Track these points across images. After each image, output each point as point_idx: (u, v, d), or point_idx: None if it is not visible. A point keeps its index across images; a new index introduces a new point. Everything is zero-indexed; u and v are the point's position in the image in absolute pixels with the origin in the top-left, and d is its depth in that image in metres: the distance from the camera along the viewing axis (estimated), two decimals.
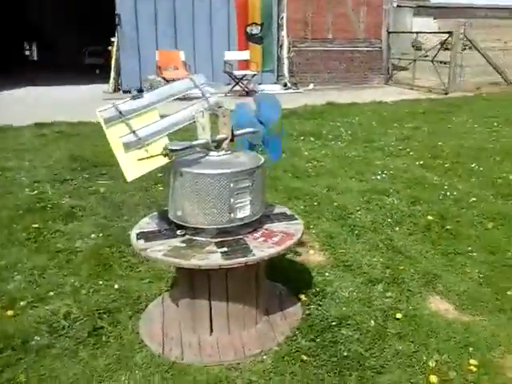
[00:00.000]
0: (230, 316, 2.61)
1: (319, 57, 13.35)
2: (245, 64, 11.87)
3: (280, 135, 2.93)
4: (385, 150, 6.25)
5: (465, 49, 12.67)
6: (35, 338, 2.66)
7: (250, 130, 2.74)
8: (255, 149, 2.89)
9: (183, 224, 2.53)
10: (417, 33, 13.63)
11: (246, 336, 2.63)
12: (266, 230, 2.63)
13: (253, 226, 2.60)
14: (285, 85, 12.63)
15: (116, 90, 11.77)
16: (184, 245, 2.48)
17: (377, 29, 13.77)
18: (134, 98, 2.50)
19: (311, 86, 12.93)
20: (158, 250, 2.43)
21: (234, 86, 11.24)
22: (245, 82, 11.31)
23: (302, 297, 2.97)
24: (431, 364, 2.38)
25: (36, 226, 4.02)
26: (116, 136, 2.41)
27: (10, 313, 2.89)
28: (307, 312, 2.83)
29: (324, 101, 9.79)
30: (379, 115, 8.53)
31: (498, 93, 11.06)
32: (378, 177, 5.17)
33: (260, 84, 12.13)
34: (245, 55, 11.89)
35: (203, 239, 2.52)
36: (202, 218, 2.44)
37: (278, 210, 2.92)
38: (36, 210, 4.40)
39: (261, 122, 2.78)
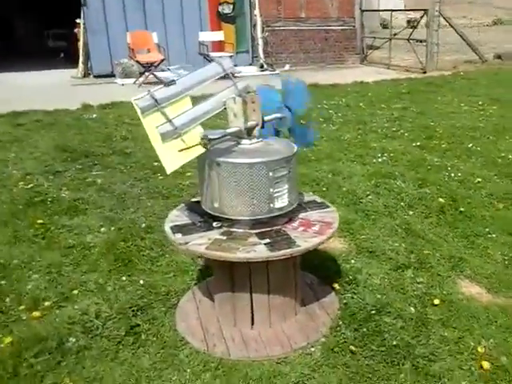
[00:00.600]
0: (271, 308, 2.58)
1: (293, 36, 13.22)
2: (219, 45, 11.65)
3: (309, 124, 2.86)
4: (378, 132, 6.27)
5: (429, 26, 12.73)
6: (70, 339, 2.58)
7: (278, 115, 2.67)
8: (279, 135, 2.83)
9: (220, 215, 2.46)
10: (392, 11, 13.57)
11: (288, 328, 2.61)
12: (303, 219, 2.59)
13: (288, 215, 2.56)
14: (261, 66, 12.46)
15: (86, 74, 11.38)
16: (224, 237, 2.41)
17: (349, 7, 13.69)
18: (167, 84, 2.41)
19: (287, 66, 12.81)
20: (198, 243, 2.37)
21: None
22: None
23: (336, 286, 2.96)
24: (480, 350, 2.41)
25: (41, 221, 3.88)
26: (153, 125, 2.32)
27: (36, 314, 2.80)
28: (344, 301, 2.82)
29: (305, 82, 9.71)
30: (364, 96, 8.54)
31: (475, 71, 11.22)
32: (379, 159, 5.19)
33: (235, 66, 11.93)
34: (219, 36, 11.65)
35: (241, 230, 2.46)
36: (240, 209, 2.39)
37: (307, 198, 2.88)
38: (36, 204, 4.25)
39: (288, 108, 2.71)
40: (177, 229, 2.50)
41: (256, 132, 2.52)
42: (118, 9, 11.23)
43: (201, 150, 2.35)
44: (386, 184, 4.49)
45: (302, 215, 2.62)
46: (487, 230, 3.63)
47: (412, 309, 2.73)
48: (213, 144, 2.43)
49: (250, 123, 2.48)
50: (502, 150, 5.37)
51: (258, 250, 2.29)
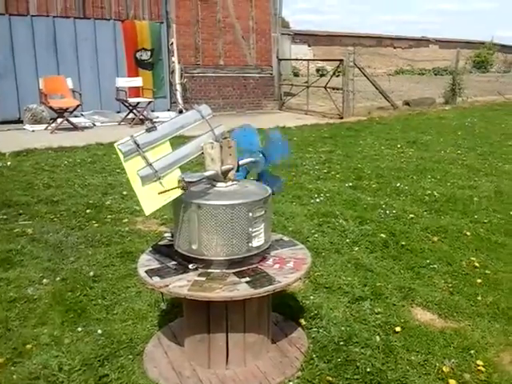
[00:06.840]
0: (246, 347, 2.60)
1: (212, 83, 13.58)
2: (137, 91, 11.68)
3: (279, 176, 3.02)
4: (311, 174, 6.55)
5: (338, 75, 13.66)
6: None
7: (252, 159, 2.80)
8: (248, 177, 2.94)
9: (198, 257, 2.48)
10: (308, 60, 14.43)
11: (263, 365, 2.63)
12: (276, 257, 2.67)
13: (261, 254, 2.63)
14: (180, 111, 12.62)
15: None
16: (203, 278, 2.43)
17: (267, 56, 14.36)
18: (148, 130, 2.46)
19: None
20: (178, 285, 2.37)
21: (128, 114, 11.03)
22: (140, 110, 11.12)
23: (302, 321, 3.03)
24: (445, 369, 2.57)
25: None
26: (134, 169, 2.37)
27: None
28: (312, 335, 2.90)
29: (227, 127, 9.93)
30: (290, 140, 8.84)
31: (388, 117, 12.07)
32: (317, 200, 5.41)
33: (153, 111, 11.99)
34: (138, 82, 11.70)
35: (218, 271, 2.50)
36: (220, 250, 2.43)
37: (274, 237, 2.96)
38: None
39: (262, 154, 2.84)
40: (153, 273, 2.49)
41: (231, 175, 2.61)
42: (27, 54, 10.92)
43: (179, 192, 2.41)
44: (329, 223, 4.69)
45: (273, 253, 2.70)
46: (428, 261, 3.89)
47: (377, 337, 2.85)
48: (190, 187, 2.49)
49: (226, 167, 2.57)
50: (427, 188, 5.81)
51: (240, 289, 2.33)
